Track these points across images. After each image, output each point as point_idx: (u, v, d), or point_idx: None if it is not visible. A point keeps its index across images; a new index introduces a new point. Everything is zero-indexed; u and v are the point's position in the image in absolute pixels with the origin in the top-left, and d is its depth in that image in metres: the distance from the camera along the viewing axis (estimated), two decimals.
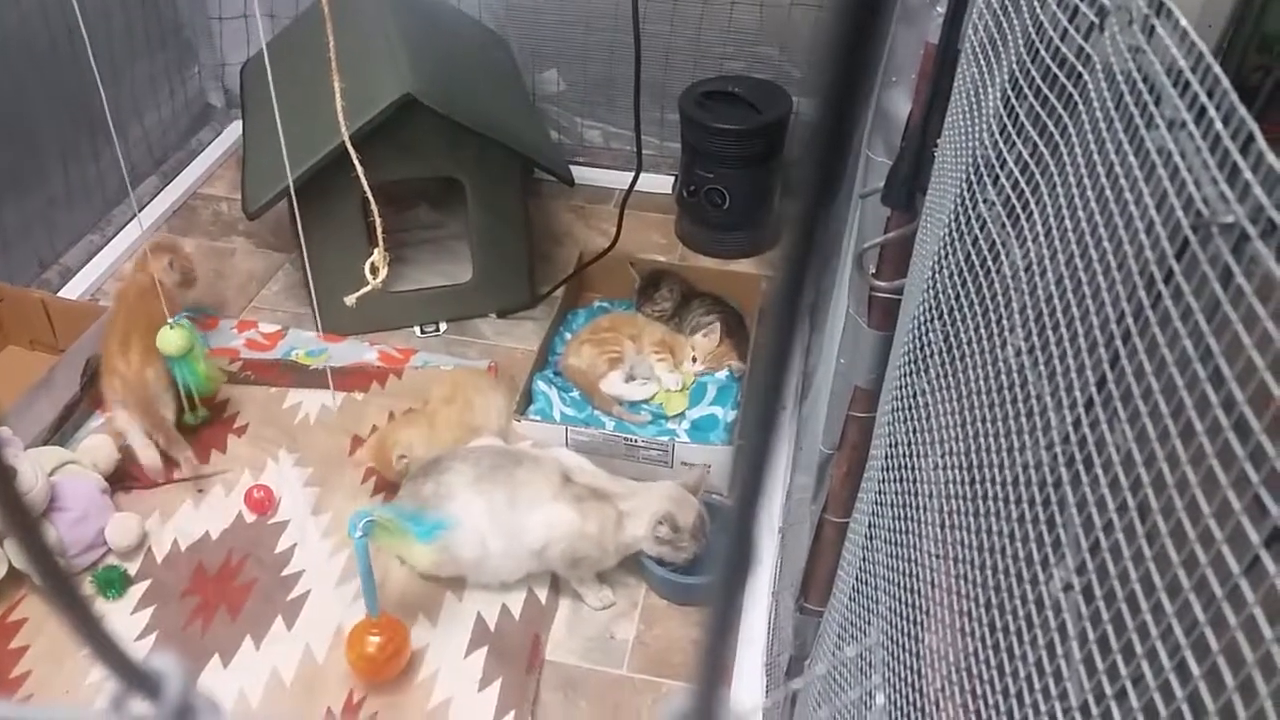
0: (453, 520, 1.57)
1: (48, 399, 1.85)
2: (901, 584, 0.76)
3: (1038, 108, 0.60)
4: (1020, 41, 0.65)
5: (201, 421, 1.91)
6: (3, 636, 1.57)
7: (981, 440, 0.62)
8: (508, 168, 2.03)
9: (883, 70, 1.02)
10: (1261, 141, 0.36)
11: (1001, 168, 0.65)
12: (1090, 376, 0.48)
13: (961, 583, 0.62)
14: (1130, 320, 0.45)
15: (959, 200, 0.74)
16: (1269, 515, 0.32)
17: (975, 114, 0.74)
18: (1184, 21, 0.44)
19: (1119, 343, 0.46)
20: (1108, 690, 0.42)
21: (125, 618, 1.62)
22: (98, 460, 1.76)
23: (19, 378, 1.89)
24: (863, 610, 0.90)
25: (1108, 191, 0.49)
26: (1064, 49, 0.58)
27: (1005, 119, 0.65)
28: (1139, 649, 0.39)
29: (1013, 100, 0.65)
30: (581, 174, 2.42)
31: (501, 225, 2.11)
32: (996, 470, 0.59)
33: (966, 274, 0.70)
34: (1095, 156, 0.51)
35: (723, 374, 1.99)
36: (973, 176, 0.71)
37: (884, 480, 0.89)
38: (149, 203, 2.50)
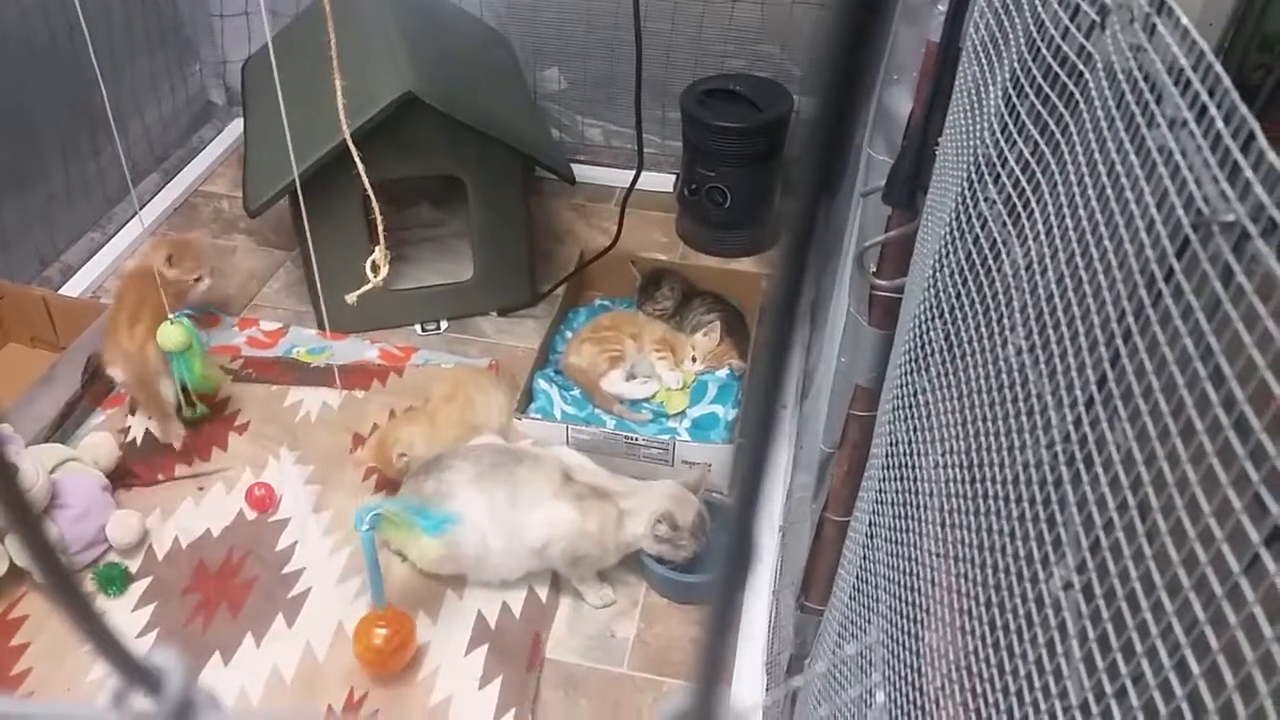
0: (459, 515, 1.57)
1: (49, 396, 1.85)
2: (902, 582, 0.76)
3: (1039, 106, 0.60)
4: (1022, 40, 0.65)
5: (199, 417, 1.91)
6: (4, 633, 1.57)
7: (982, 439, 0.62)
8: (509, 166, 2.03)
9: (884, 68, 1.02)
10: (1262, 140, 0.36)
11: (1003, 166, 0.65)
12: (1091, 375, 0.48)
13: (962, 581, 0.62)
14: (1131, 319, 0.45)
15: (960, 199, 0.74)
16: (1269, 514, 0.32)
17: (976, 112, 0.74)
18: (1185, 20, 0.44)
19: (1119, 341, 0.46)
20: (1108, 689, 0.42)
21: (126, 615, 1.62)
22: (99, 457, 1.76)
23: (20, 375, 1.89)
24: (863, 609, 0.90)
25: (1108, 190, 0.49)
26: (1065, 47, 0.58)
27: (1006, 117, 0.65)
28: (1139, 647, 0.39)
29: (1014, 99, 0.65)
30: (582, 172, 2.42)
31: (502, 223, 2.11)
32: (997, 469, 0.59)
33: (967, 273, 0.70)
34: (1096, 155, 0.51)
35: (723, 372, 1.99)
36: (974, 175, 0.71)
37: (884, 479, 0.89)
38: (150, 200, 2.50)
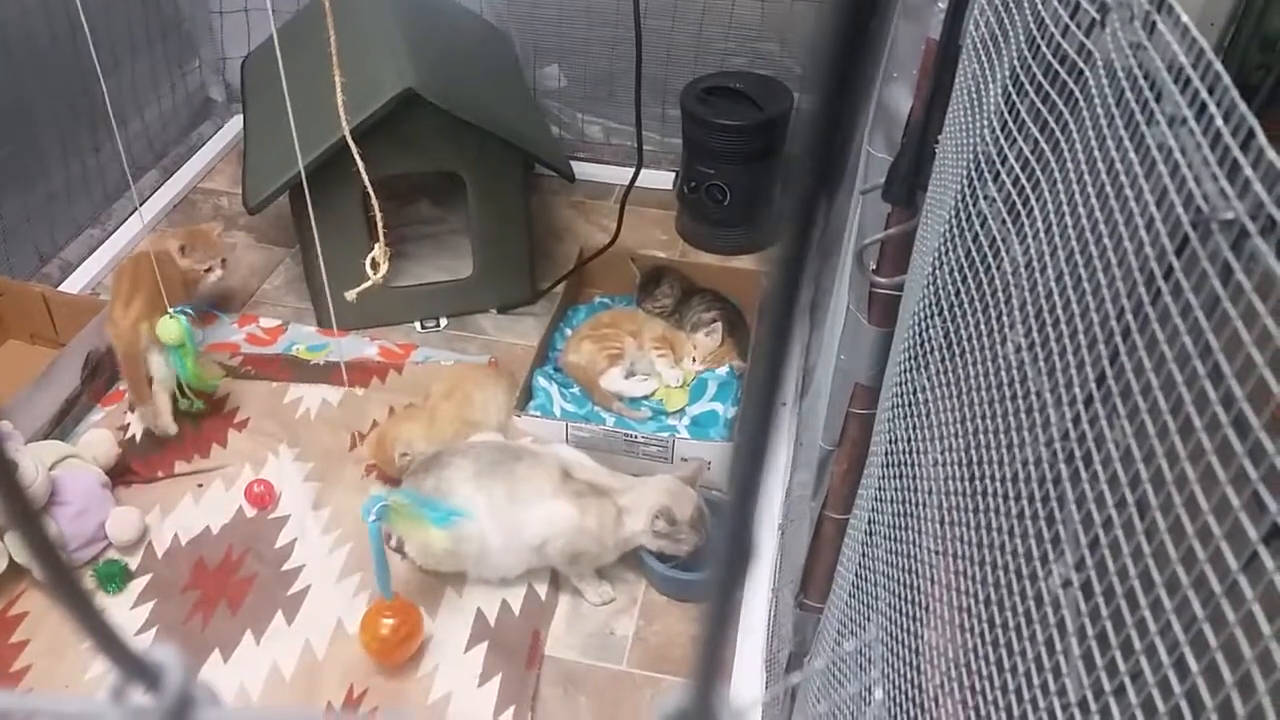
0: (468, 507, 1.57)
1: (48, 393, 1.85)
2: (901, 580, 0.77)
3: (1039, 104, 0.60)
4: (1022, 37, 0.65)
5: (194, 411, 1.91)
6: (3, 631, 1.57)
7: (981, 437, 0.62)
8: (508, 163, 2.03)
9: (884, 66, 1.02)
10: (1262, 138, 0.36)
11: (1002, 164, 0.65)
12: (1090, 373, 0.48)
13: (961, 578, 0.63)
14: (1130, 317, 0.45)
15: (959, 196, 0.74)
16: (1267, 512, 0.32)
17: (976, 110, 0.74)
18: (1185, 18, 0.44)
19: (1119, 339, 0.46)
20: (1106, 686, 0.42)
21: (125, 612, 1.62)
22: (98, 454, 1.76)
23: (19, 372, 1.89)
24: (862, 606, 0.90)
25: (1108, 188, 0.49)
26: (1065, 45, 0.58)
27: (1006, 115, 0.65)
28: (1138, 645, 0.40)
29: (1014, 96, 0.65)
30: (582, 170, 2.42)
31: (502, 221, 2.11)
32: (996, 466, 0.59)
33: (967, 270, 0.70)
34: (1096, 153, 0.51)
35: (723, 370, 1.99)
36: (973, 173, 0.71)
37: (884, 477, 0.89)
38: (149, 197, 2.50)
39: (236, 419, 1.95)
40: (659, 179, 2.48)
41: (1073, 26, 0.57)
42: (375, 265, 1.62)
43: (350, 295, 1.64)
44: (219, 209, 2.53)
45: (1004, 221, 0.64)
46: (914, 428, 0.80)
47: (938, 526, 0.69)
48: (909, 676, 0.71)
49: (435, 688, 1.54)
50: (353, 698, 1.52)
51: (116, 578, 1.65)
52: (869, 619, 0.86)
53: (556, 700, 1.55)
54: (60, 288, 2.21)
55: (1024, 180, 0.62)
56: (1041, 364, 0.54)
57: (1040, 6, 0.62)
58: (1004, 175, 0.65)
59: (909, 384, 0.83)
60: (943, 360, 0.74)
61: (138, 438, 1.90)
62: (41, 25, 2.12)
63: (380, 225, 1.60)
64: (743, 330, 2.07)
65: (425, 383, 1.97)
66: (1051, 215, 0.56)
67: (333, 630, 1.60)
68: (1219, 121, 0.38)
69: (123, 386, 1.95)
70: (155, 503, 1.78)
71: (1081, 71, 0.55)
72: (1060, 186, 0.56)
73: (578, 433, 1.82)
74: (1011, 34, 0.68)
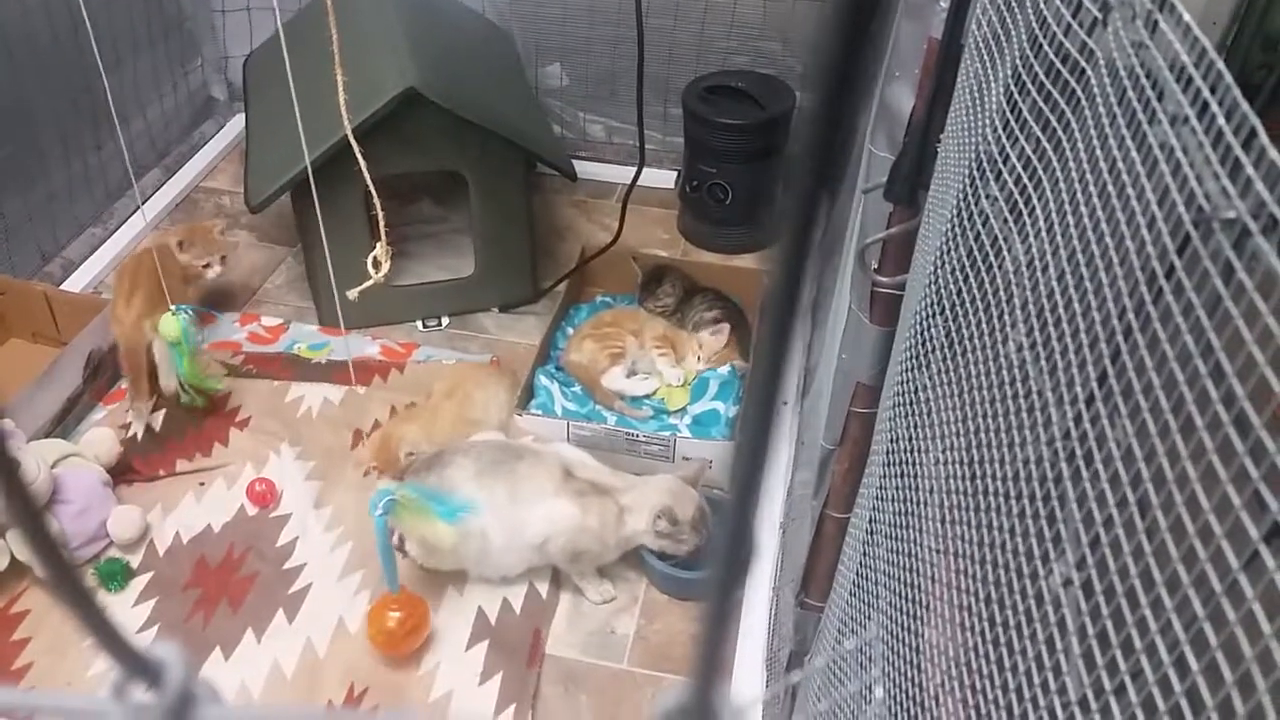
0: (476, 503, 1.57)
1: (50, 392, 1.85)
2: (902, 578, 0.77)
3: (1040, 103, 0.60)
4: (1023, 37, 0.65)
5: (197, 405, 1.91)
6: (5, 628, 1.58)
7: (982, 436, 0.62)
8: (510, 162, 2.03)
9: (886, 65, 1.02)
10: (1264, 137, 0.36)
11: (1004, 163, 0.65)
12: (1091, 372, 0.48)
13: (962, 578, 0.63)
14: (1131, 316, 0.45)
15: (961, 196, 0.74)
16: (1268, 511, 0.32)
17: (978, 109, 0.74)
18: (1187, 17, 0.44)
19: (1120, 338, 0.46)
20: (1107, 685, 0.42)
21: (127, 610, 1.62)
22: (100, 453, 1.77)
23: (21, 370, 1.89)
24: (863, 605, 0.90)
25: (1110, 187, 0.49)
26: (1067, 44, 0.58)
27: (1008, 114, 0.65)
28: (1138, 644, 0.40)
29: (1016, 96, 0.65)
30: (584, 169, 2.42)
31: (504, 220, 2.11)
32: (997, 466, 0.59)
33: (969, 269, 0.70)
34: (1098, 152, 0.51)
35: (725, 369, 1.99)
36: (975, 172, 0.71)
37: (885, 476, 0.89)
38: (151, 196, 2.50)
39: (238, 417, 1.95)
40: (661, 178, 2.48)
41: (1075, 25, 0.57)
42: (377, 264, 1.62)
43: (352, 294, 1.64)
44: (221, 208, 2.53)
45: (1006, 220, 0.64)
46: (915, 427, 0.80)
47: (939, 525, 0.69)
48: (909, 675, 0.71)
49: (436, 686, 1.54)
50: (353, 696, 1.52)
51: (118, 576, 1.65)
52: (870, 617, 0.86)
53: (557, 699, 1.55)
54: (62, 286, 2.21)
55: (1026, 179, 0.62)
56: (1043, 363, 0.54)
57: (1042, 5, 0.62)
58: (1006, 174, 0.65)
59: (910, 383, 0.83)
60: (944, 359, 0.74)
61: (139, 436, 1.90)
62: (43, 24, 2.12)
63: (382, 224, 1.60)
64: (744, 329, 2.07)
65: (427, 382, 1.97)
66: (1053, 214, 0.56)
67: (334, 629, 1.60)
68: (1221, 120, 0.38)
69: (124, 385, 1.95)
70: (157, 501, 1.79)
71: (1083, 70, 0.55)
72: (1062, 185, 0.56)
73: (579, 432, 1.82)
74: (1014, 33, 0.67)
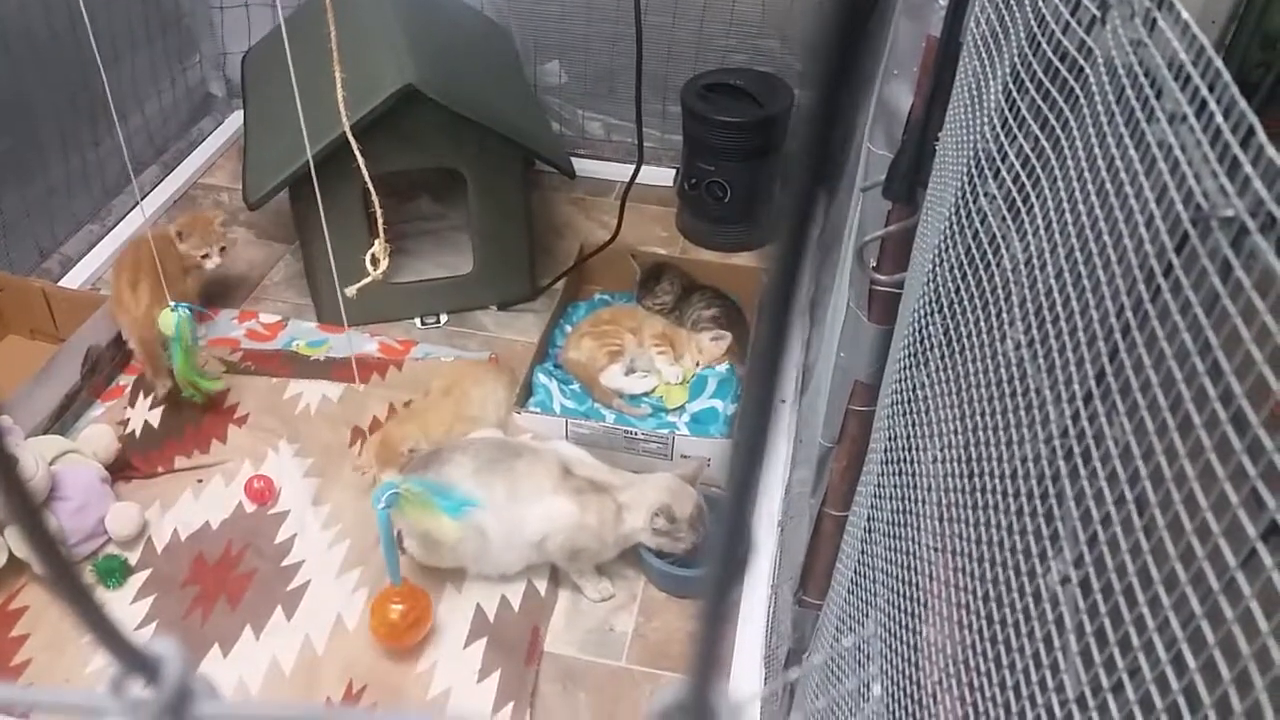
0: (480, 499, 1.57)
1: (48, 388, 1.85)
2: (900, 576, 0.77)
3: (1039, 101, 0.60)
4: (1022, 35, 0.65)
5: (196, 399, 1.91)
6: (3, 625, 1.58)
7: (981, 434, 0.62)
8: (509, 159, 2.03)
9: (885, 63, 1.02)
10: (1262, 135, 0.36)
11: (1002, 161, 0.65)
12: (1089, 370, 0.48)
13: (960, 575, 0.63)
14: (1129, 314, 0.45)
15: (960, 194, 0.74)
16: (1266, 509, 0.32)
17: (977, 107, 0.74)
18: (1186, 15, 0.44)
19: (1118, 336, 0.46)
20: (1104, 683, 0.42)
21: (125, 607, 1.62)
22: (98, 449, 1.77)
23: (19, 367, 1.89)
24: (861, 603, 0.90)
25: (1108, 185, 0.49)
26: (1066, 42, 0.58)
27: (1007, 112, 0.65)
28: (1136, 642, 0.40)
29: (1014, 94, 0.65)
30: (582, 166, 2.42)
31: (502, 217, 2.10)
32: (995, 464, 0.59)
33: (967, 268, 0.70)
34: (1096, 150, 0.51)
35: (723, 367, 1.99)
36: (974, 170, 0.71)
37: (883, 474, 0.89)
38: (150, 192, 2.50)
39: (236, 414, 1.95)
40: (659, 175, 2.48)
41: (1073, 23, 0.57)
42: (375, 261, 1.61)
43: (350, 291, 1.63)
44: (219, 204, 2.53)
45: (1004, 219, 0.64)
46: (913, 425, 0.80)
47: (937, 523, 0.70)
48: (907, 672, 0.71)
49: (434, 683, 1.54)
50: (352, 693, 1.52)
51: (116, 573, 1.65)
52: (868, 615, 0.86)
53: (555, 696, 1.55)
54: (60, 283, 2.21)
55: (1024, 177, 0.62)
56: (1041, 361, 0.54)
57: (1041, 3, 0.62)
58: (1004, 172, 0.65)
59: (909, 381, 0.83)
60: (942, 357, 0.74)
61: (137, 433, 1.90)
62: (41, 19, 2.12)
63: (380, 221, 1.60)
64: (742, 327, 2.07)
65: (425, 379, 1.97)
66: (1051, 212, 0.56)
67: (332, 625, 1.60)
68: (1219, 119, 0.38)
69: (123, 382, 1.96)
70: (155, 498, 1.79)
71: (1082, 69, 0.55)
72: (1060, 184, 0.56)
73: (578, 429, 1.82)
74: (1012, 31, 0.67)
